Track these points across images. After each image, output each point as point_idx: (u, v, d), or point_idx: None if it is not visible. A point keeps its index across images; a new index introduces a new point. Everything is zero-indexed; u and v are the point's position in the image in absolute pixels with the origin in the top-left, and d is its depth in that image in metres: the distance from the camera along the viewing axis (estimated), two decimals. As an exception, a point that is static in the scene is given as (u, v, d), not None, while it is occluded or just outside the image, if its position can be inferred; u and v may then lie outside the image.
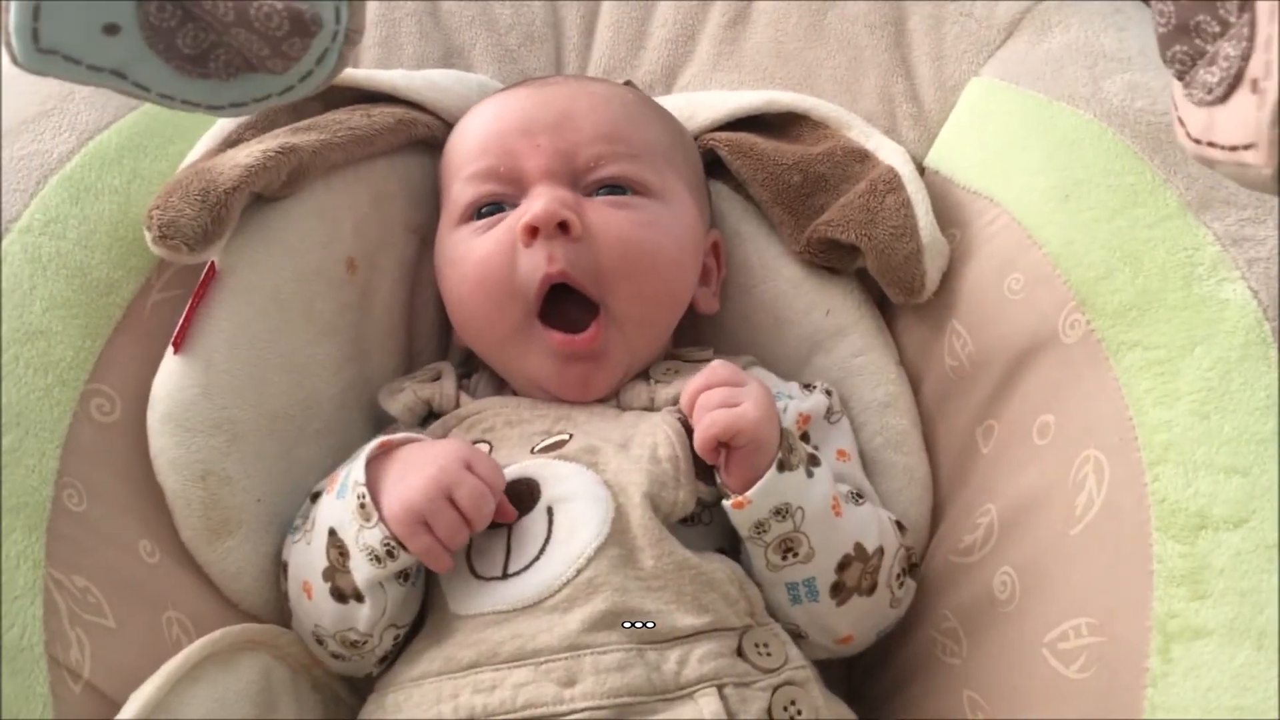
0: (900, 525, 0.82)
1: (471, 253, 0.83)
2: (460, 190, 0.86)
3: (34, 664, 0.66)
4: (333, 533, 0.74)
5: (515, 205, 0.83)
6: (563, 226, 0.79)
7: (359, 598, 0.74)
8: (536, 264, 0.80)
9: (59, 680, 0.66)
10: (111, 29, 0.56)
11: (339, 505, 0.75)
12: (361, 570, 0.73)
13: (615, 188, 0.83)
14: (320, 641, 0.77)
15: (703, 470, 0.77)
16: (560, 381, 0.82)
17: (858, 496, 0.79)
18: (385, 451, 0.76)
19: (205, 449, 0.79)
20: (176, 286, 0.83)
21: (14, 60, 0.54)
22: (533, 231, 0.79)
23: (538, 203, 0.80)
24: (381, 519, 0.72)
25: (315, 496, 0.82)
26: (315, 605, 0.76)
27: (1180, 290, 0.75)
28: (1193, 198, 0.78)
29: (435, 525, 0.71)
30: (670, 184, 0.86)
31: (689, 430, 0.77)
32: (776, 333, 0.92)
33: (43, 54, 0.55)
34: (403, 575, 0.74)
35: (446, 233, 0.87)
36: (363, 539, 0.72)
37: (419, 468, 0.73)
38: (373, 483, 0.73)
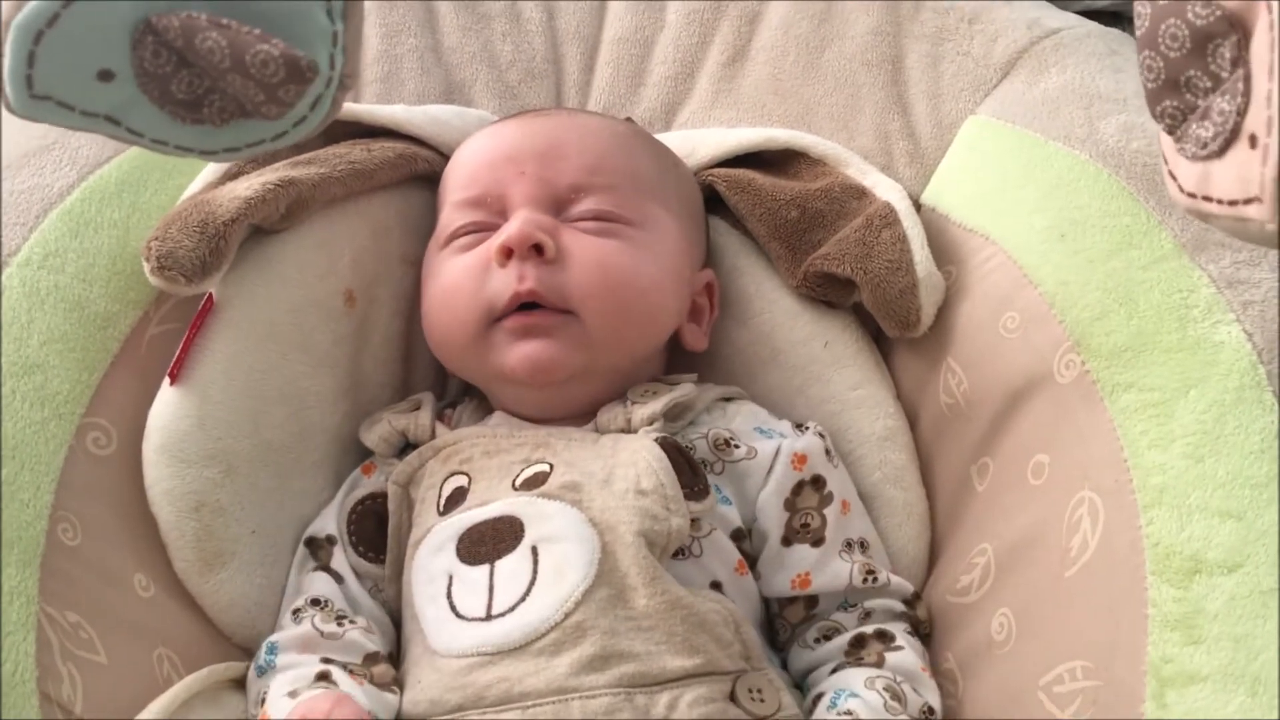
0: (916, 597, 0.82)
1: (449, 270, 0.84)
2: (447, 216, 0.87)
3: (26, 700, 0.65)
4: None
5: (497, 228, 0.84)
6: (537, 248, 0.80)
7: None
8: (508, 282, 0.80)
9: (50, 716, 0.66)
10: (106, 75, 0.56)
11: None
12: None
13: (597, 218, 0.84)
14: None
15: (691, 490, 0.76)
16: (516, 360, 0.80)
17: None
18: None
19: (200, 480, 0.79)
20: (174, 320, 0.83)
21: (7, 106, 0.55)
22: (507, 252, 0.80)
23: (513, 224, 0.81)
24: None
25: (310, 542, 0.82)
26: None
27: (1175, 332, 0.75)
28: (1188, 239, 0.78)
29: None
30: (655, 216, 0.86)
31: (668, 450, 0.77)
32: (772, 362, 0.92)
33: (36, 100, 0.55)
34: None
35: (431, 255, 0.88)
36: None
37: None
38: None
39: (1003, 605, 0.77)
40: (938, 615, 0.82)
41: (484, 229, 0.85)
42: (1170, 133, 0.57)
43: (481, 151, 0.88)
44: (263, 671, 0.75)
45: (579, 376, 0.82)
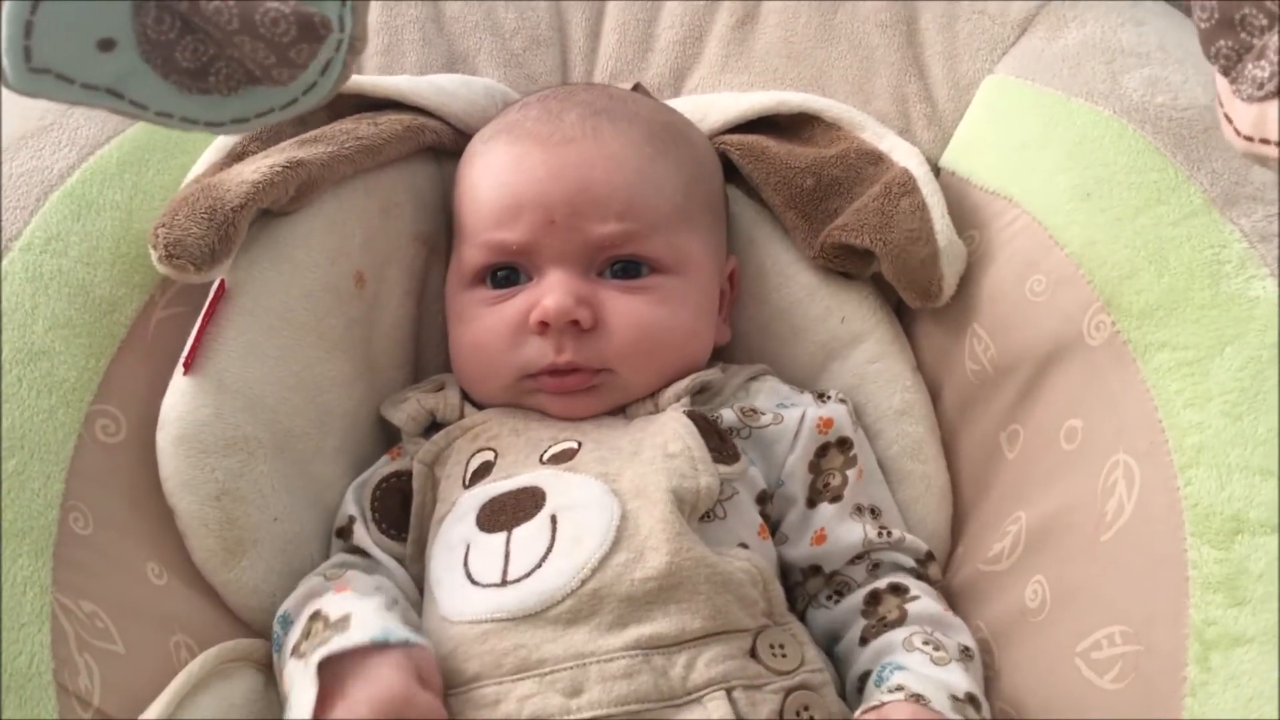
0: (930, 557, 0.81)
1: (480, 321, 0.83)
2: (471, 253, 0.84)
3: (42, 692, 0.64)
4: None
5: (528, 274, 0.83)
6: (574, 323, 0.79)
7: None
8: (544, 352, 0.80)
9: (68, 708, 0.65)
10: (107, 44, 0.54)
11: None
12: None
13: (630, 264, 0.82)
14: None
15: (720, 454, 0.76)
16: (554, 408, 0.83)
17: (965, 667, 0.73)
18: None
19: (220, 469, 0.77)
20: (180, 304, 0.81)
21: (4, 82, 0.52)
22: (545, 326, 0.79)
23: (550, 297, 0.79)
24: None
25: (341, 532, 0.82)
26: None
27: (1208, 289, 0.73)
28: (1217, 194, 0.77)
29: None
30: (687, 250, 0.84)
31: (696, 421, 0.77)
32: (792, 340, 0.91)
33: (34, 73, 0.53)
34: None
35: (457, 289, 0.86)
36: None
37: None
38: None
39: (1036, 573, 0.76)
40: (969, 585, 0.81)
41: (511, 270, 0.83)
42: (1225, 74, 0.56)
43: (504, 187, 0.83)
44: (279, 646, 0.73)
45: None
